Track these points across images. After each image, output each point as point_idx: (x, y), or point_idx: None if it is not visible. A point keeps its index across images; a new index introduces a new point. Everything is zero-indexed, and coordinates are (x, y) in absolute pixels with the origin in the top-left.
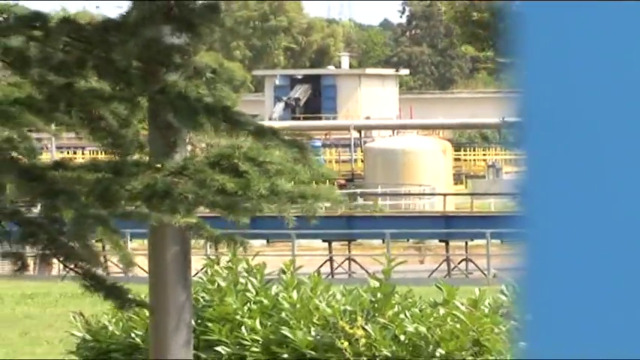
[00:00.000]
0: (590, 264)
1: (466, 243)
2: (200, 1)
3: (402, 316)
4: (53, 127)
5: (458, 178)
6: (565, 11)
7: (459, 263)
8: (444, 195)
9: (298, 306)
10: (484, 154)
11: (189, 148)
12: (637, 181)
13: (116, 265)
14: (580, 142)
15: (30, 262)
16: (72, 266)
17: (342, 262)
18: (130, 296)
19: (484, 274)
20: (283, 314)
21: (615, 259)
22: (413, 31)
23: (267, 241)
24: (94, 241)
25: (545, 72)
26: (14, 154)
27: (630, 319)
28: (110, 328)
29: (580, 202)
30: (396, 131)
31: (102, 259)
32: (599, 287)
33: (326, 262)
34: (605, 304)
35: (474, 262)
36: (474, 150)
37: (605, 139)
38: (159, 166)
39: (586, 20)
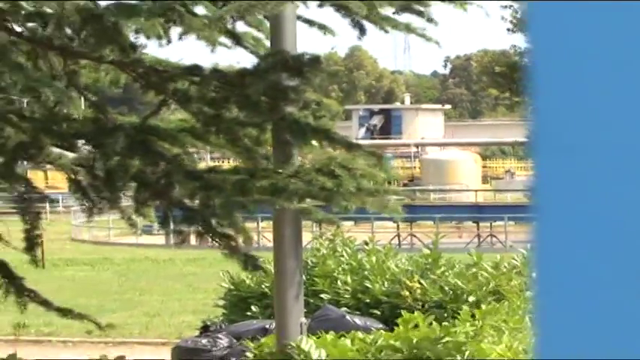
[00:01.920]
0: (587, 247)
1: (491, 224)
2: (307, 55)
3: (446, 273)
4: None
5: (485, 180)
6: (568, 43)
7: (485, 238)
8: (476, 191)
9: (376, 267)
10: (502, 163)
11: (300, 159)
12: (631, 179)
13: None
14: (577, 153)
15: (192, 236)
16: (218, 240)
17: (406, 237)
18: (257, 263)
19: (503, 245)
20: (366, 272)
21: (612, 248)
22: (454, 78)
23: (355, 222)
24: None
25: (550, 99)
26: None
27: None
28: (247, 281)
29: (578, 198)
30: (442, 147)
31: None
32: (600, 274)
33: (395, 236)
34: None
35: (496, 237)
36: (496, 160)
37: (598, 149)
38: (280, 171)
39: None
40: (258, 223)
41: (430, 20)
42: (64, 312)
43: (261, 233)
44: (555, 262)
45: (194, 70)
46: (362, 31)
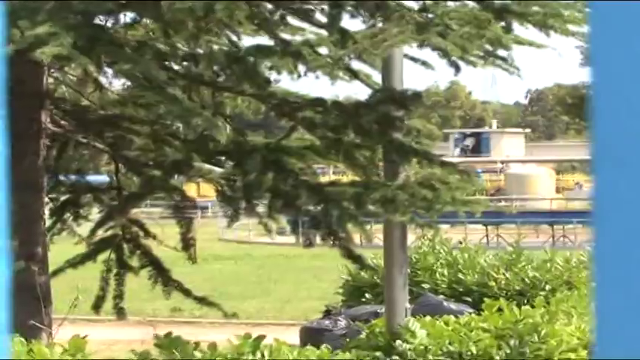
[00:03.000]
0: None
1: (563, 226)
2: (410, 91)
3: (526, 267)
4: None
5: (558, 190)
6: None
7: (559, 238)
8: (550, 199)
9: (468, 262)
10: (573, 177)
11: (404, 174)
12: None
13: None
14: (629, 167)
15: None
16: (337, 243)
17: (493, 237)
18: (365, 262)
19: (573, 244)
20: (459, 266)
21: None
22: (532, 108)
23: (451, 225)
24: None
25: (607, 122)
26: (305, 177)
27: None
28: (362, 273)
29: (630, 205)
30: (523, 164)
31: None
32: None
33: (484, 237)
34: None
35: (567, 237)
36: (567, 174)
37: None
38: (389, 184)
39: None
40: (371, 226)
41: (511, 65)
42: (200, 300)
43: (374, 234)
44: (611, 262)
45: (318, 102)
46: (457, 69)
